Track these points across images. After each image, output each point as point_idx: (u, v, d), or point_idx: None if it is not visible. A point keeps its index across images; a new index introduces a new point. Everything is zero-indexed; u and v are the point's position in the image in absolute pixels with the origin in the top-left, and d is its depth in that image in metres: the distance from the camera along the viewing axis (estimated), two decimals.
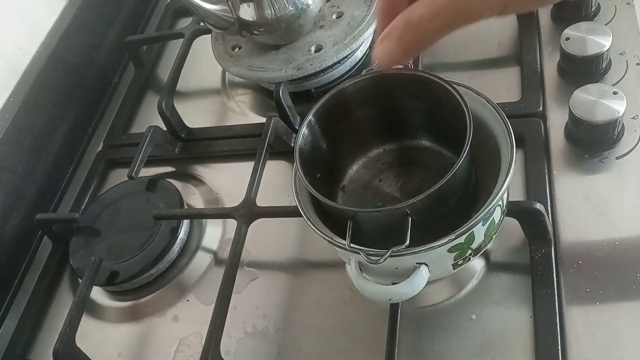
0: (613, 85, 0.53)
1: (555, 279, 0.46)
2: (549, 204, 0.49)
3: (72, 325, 0.51)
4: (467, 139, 0.37)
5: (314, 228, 0.40)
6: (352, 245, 0.38)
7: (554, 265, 0.46)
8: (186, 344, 0.53)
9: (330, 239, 0.40)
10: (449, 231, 0.37)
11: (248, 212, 0.54)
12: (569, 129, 0.53)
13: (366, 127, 0.48)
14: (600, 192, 0.49)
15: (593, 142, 0.51)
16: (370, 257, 0.37)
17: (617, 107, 0.49)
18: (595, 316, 0.43)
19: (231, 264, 0.51)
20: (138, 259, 0.57)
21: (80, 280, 0.56)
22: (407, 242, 0.36)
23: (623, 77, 0.54)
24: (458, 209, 0.40)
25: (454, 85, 0.40)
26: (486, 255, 0.49)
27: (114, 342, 0.56)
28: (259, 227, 0.54)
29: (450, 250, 0.39)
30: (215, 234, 0.60)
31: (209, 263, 0.58)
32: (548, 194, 0.50)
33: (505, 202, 0.42)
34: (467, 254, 0.41)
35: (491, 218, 0.40)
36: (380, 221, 0.40)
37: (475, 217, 0.37)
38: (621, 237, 0.46)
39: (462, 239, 0.38)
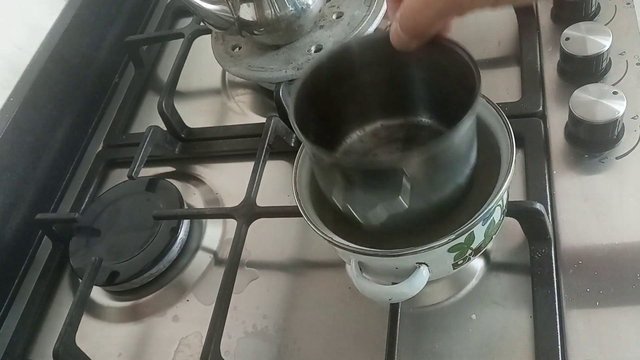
0: (613, 85, 0.53)
1: (555, 279, 0.46)
2: (549, 204, 0.49)
3: (72, 325, 0.51)
4: (475, 95, 0.35)
5: (313, 227, 0.40)
6: (350, 245, 0.38)
7: (554, 265, 0.46)
8: (186, 344, 0.53)
9: (330, 239, 0.40)
10: (449, 231, 0.37)
11: (248, 212, 0.54)
12: (569, 129, 0.53)
13: (366, 96, 0.45)
14: (600, 192, 0.49)
15: (593, 142, 0.51)
16: (369, 255, 0.37)
17: (617, 107, 0.49)
18: (595, 316, 0.43)
19: (231, 264, 0.51)
20: (138, 259, 0.57)
21: (80, 280, 0.56)
22: (401, 199, 0.35)
23: (623, 77, 0.54)
24: (456, 189, 0.39)
25: (464, 48, 0.38)
26: (486, 255, 0.49)
27: (114, 342, 0.56)
28: (259, 227, 0.54)
29: (450, 250, 0.39)
30: (215, 234, 0.60)
31: (209, 263, 0.58)
32: (548, 194, 0.50)
33: (505, 202, 0.42)
34: (467, 254, 0.41)
35: (491, 218, 0.39)
36: (374, 176, 0.37)
37: (475, 217, 0.37)
38: (621, 237, 0.46)
39: (462, 239, 0.38)
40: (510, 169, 0.38)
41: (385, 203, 0.36)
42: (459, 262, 0.41)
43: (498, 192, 0.38)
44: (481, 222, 0.38)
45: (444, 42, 0.38)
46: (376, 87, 0.44)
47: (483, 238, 0.40)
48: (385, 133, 0.47)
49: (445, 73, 0.40)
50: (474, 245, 0.40)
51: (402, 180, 0.35)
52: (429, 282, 0.40)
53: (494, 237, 0.42)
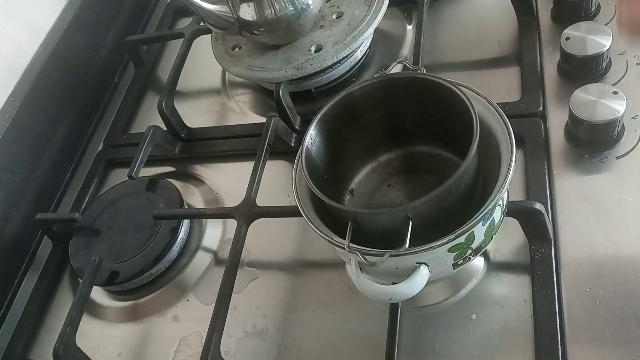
0: (613, 85, 0.53)
1: (555, 279, 0.46)
2: (549, 204, 0.49)
3: (72, 325, 0.51)
4: (472, 143, 0.37)
5: (314, 227, 0.40)
6: (351, 245, 0.38)
7: (554, 265, 0.46)
8: (186, 344, 0.53)
9: (330, 239, 0.40)
10: (449, 231, 0.37)
11: (248, 212, 0.54)
12: (569, 129, 0.53)
13: (376, 132, 0.48)
14: (600, 192, 0.49)
15: (593, 142, 0.51)
16: (368, 258, 0.37)
17: (617, 107, 0.49)
18: (595, 316, 0.43)
19: (231, 263, 0.51)
20: (138, 258, 0.57)
21: (80, 280, 0.56)
22: (407, 245, 0.36)
23: (623, 77, 0.54)
24: (463, 212, 0.40)
25: (460, 88, 0.41)
26: (486, 255, 0.49)
27: (114, 341, 0.56)
28: (259, 227, 0.54)
29: (450, 250, 0.39)
30: (215, 233, 0.60)
31: (209, 263, 0.58)
32: (548, 194, 0.50)
33: (505, 201, 0.42)
34: (467, 254, 0.41)
35: (491, 218, 0.39)
36: (380, 223, 0.40)
37: (475, 217, 0.37)
38: (621, 237, 0.46)
39: (462, 239, 0.38)
40: (510, 169, 0.38)
41: (389, 244, 0.37)
42: (459, 262, 0.41)
43: (498, 192, 0.38)
44: (481, 222, 0.38)
45: (445, 84, 0.42)
46: (385, 122, 0.48)
47: (483, 238, 0.40)
48: (397, 163, 0.50)
49: (447, 109, 0.43)
50: (474, 245, 0.40)
51: (407, 226, 0.37)
52: (429, 282, 0.40)
53: (494, 236, 0.42)
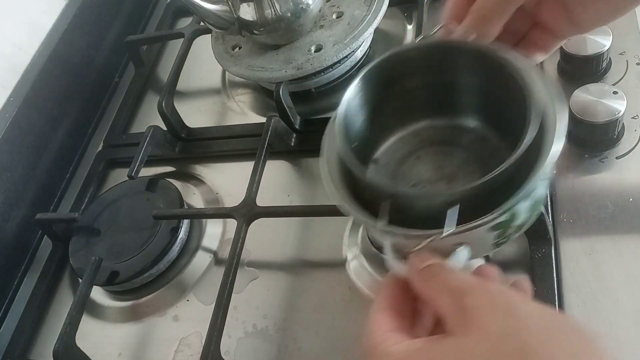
0: (613, 85, 0.53)
1: (555, 278, 0.45)
2: (549, 204, 0.49)
3: (72, 325, 0.51)
4: (525, 136, 0.33)
5: (351, 209, 0.36)
6: (388, 227, 0.34)
7: (554, 265, 0.46)
8: (186, 344, 0.53)
9: (368, 221, 0.35)
10: (490, 209, 0.33)
11: (248, 212, 0.54)
12: (569, 129, 0.53)
13: (412, 99, 0.44)
14: (601, 192, 0.49)
15: (593, 141, 0.51)
16: (408, 242, 0.34)
17: (617, 106, 0.49)
18: (595, 316, 0.43)
19: (231, 263, 0.51)
20: (138, 258, 0.57)
21: (80, 280, 0.56)
22: (454, 228, 0.33)
23: (623, 76, 0.54)
24: (506, 189, 0.35)
25: (520, 66, 0.36)
26: (486, 255, 0.49)
27: (114, 341, 0.56)
28: (259, 227, 0.54)
29: (492, 229, 0.35)
30: (215, 233, 0.60)
31: (209, 263, 0.58)
32: (548, 193, 0.50)
33: (551, 174, 0.37)
34: (510, 232, 0.37)
35: (535, 192, 0.35)
36: (419, 205, 0.36)
37: (518, 193, 0.33)
38: (621, 237, 0.46)
39: (505, 217, 0.34)
40: (557, 140, 0.34)
41: (425, 224, 0.33)
42: (499, 242, 0.37)
43: (541, 167, 0.34)
44: (526, 199, 0.34)
45: (505, 59, 0.37)
46: (424, 90, 0.44)
47: (528, 214, 0.36)
48: (428, 134, 0.46)
49: (498, 85, 0.38)
50: (517, 222, 0.36)
51: (453, 211, 0.33)
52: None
53: (536, 213, 0.37)
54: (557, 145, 0.34)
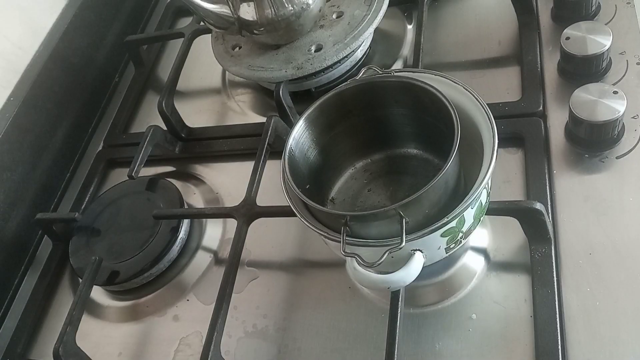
0: (613, 84, 0.53)
1: (555, 279, 0.46)
2: (549, 203, 0.49)
3: (72, 325, 0.51)
4: (454, 141, 0.39)
5: (308, 224, 0.41)
6: (346, 250, 0.38)
7: (554, 265, 0.46)
8: (186, 344, 0.53)
9: (326, 235, 0.40)
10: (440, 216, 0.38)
11: (248, 212, 0.54)
12: (569, 129, 0.53)
13: (353, 138, 0.49)
14: (600, 192, 0.49)
15: (593, 141, 0.51)
16: (366, 259, 0.38)
17: (618, 106, 0.49)
18: (595, 316, 0.43)
19: (231, 263, 0.51)
20: (138, 258, 0.57)
21: (80, 280, 0.56)
22: (404, 242, 0.37)
23: (623, 76, 0.54)
24: (450, 204, 0.41)
25: (437, 88, 0.42)
26: (486, 255, 0.49)
27: (114, 341, 0.56)
28: (259, 227, 0.54)
29: (443, 235, 0.40)
30: (215, 233, 0.60)
31: (209, 263, 0.58)
32: (548, 193, 0.50)
33: (490, 184, 0.43)
34: (459, 237, 0.42)
35: (479, 201, 0.41)
36: (372, 225, 0.40)
37: (466, 201, 0.38)
38: (621, 236, 0.46)
39: (454, 223, 0.39)
40: (493, 153, 0.39)
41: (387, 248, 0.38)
42: (451, 246, 0.42)
43: (485, 175, 0.39)
44: (471, 206, 0.39)
45: (423, 85, 0.43)
46: (361, 128, 0.48)
47: (472, 220, 0.42)
48: (375, 167, 0.51)
49: (425, 110, 0.44)
50: (464, 229, 0.41)
51: (401, 224, 0.38)
52: (425, 277, 0.40)
53: (481, 219, 0.43)
54: (492, 158, 0.39)
